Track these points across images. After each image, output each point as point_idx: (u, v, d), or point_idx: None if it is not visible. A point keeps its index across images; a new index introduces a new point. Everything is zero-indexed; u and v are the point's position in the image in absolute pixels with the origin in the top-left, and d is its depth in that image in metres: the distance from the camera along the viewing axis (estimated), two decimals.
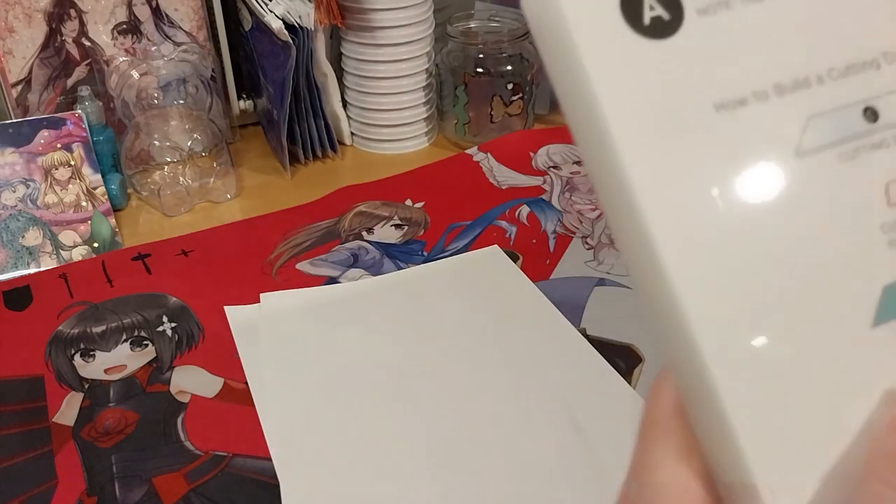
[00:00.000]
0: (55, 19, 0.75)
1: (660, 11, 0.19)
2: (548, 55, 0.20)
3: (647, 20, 0.19)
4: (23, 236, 0.70)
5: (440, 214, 0.74)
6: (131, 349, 0.59)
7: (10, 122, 0.73)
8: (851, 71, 0.20)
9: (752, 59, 0.20)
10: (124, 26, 0.78)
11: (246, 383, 0.56)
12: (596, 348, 0.57)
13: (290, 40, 0.76)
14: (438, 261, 0.68)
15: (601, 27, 0.19)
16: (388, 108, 0.85)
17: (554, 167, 0.81)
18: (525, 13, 0.20)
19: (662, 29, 0.19)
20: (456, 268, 0.67)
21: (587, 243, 0.69)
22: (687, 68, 0.19)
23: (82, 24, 0.76)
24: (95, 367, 0.58)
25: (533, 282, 0.64)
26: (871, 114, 0.20)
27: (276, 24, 0.75)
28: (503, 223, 0.73)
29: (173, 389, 0.56)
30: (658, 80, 0.19)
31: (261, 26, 0.78)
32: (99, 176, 0.74)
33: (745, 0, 0.20)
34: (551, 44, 0.19)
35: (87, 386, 0.56)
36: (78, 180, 0.73)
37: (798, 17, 0.20)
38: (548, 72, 0.20)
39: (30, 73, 0.76)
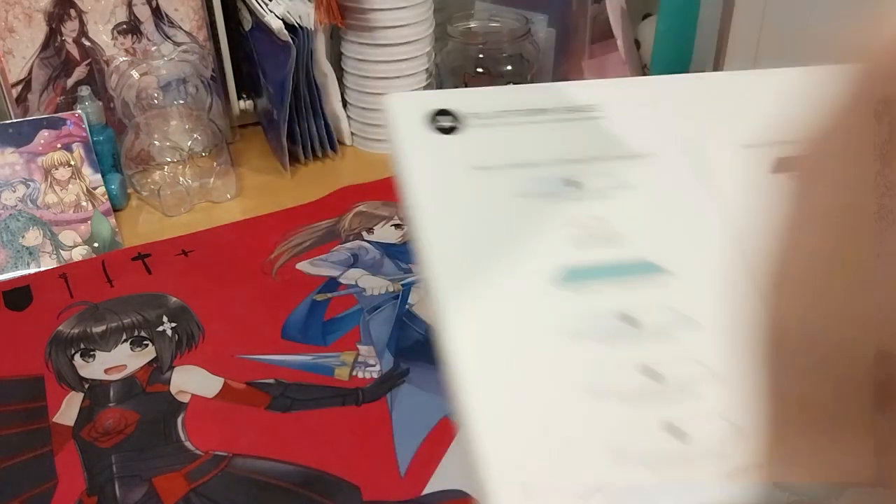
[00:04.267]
0: (55, 19, 0.75)
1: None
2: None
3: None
4: (23, 236, 0.70)
5: None
6: (131, 349, 0.59)
7: (10, 122, 0.73)
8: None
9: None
10: (124, 26, 0.78)
11: (246, 383, 0.55)
12: None
13: (290, 40, 0.76)
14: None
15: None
16: None
17: None
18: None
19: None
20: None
21: None
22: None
23: (82, 24, 0.76)
24: (95, 367, 0.58)
25: None
26: None
27: (276, 24, 0.75)
28: None
29: (173, 389, 0.56)
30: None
31: (261, 26, 0.78)
32: (99, 176, 0.74)
33: None
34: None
35: (87, 386, 0.56)
36: (78, 180, 0.73)
37: None
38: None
39: (30, 73, 0.76)
